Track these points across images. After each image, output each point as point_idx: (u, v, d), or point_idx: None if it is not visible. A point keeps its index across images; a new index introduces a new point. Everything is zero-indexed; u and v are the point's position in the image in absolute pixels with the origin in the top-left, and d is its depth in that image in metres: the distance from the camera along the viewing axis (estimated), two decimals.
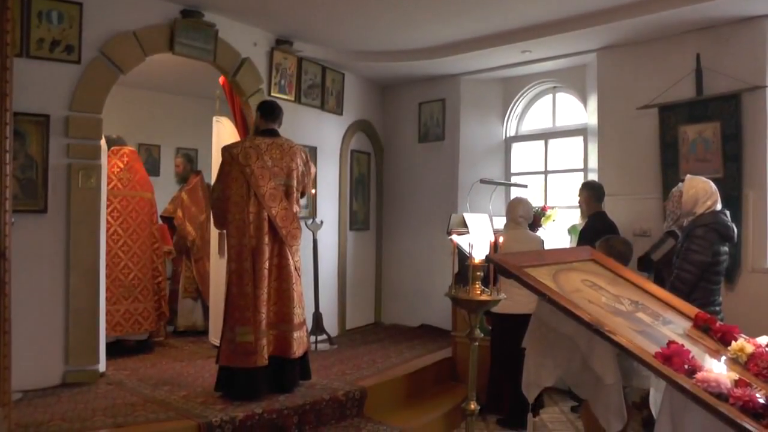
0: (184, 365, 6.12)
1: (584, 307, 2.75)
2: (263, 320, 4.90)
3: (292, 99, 7.23)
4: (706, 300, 4.45)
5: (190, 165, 8.11)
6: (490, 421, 5.74)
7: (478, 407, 3.49)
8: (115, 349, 6.28)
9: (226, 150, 5.09)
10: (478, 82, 8.20)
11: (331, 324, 7.61)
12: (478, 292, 3.32)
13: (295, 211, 5.16)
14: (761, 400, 2.32)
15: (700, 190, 4.52)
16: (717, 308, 4.53)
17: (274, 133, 5.24)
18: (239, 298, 4.91)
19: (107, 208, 6.11)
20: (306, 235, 6.91)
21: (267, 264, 4.96)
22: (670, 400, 2.54)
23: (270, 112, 5.28)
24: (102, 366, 5.61)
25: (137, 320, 6.45)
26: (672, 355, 2.50)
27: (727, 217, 4.54)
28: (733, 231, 4.54)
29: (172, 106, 9.50)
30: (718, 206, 4.53)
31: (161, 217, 7.80)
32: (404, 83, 8.67)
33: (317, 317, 7.01)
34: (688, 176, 4.74)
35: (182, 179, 8.12)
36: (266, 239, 4.96)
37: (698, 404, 2.33)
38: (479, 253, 3.35)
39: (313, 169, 5.49)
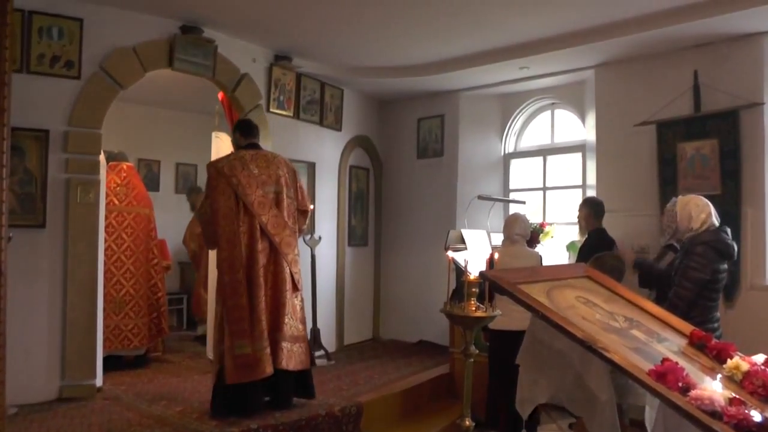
0: (180, 380, 6.11)
1: (578, 323, 2.74)
2: (264, 330, 4.82)
3: (291, 115, 7.26)
4: (705, 318, 4.42)
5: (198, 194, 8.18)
6: None
7: (473, 424, 3.46)
8: (113, 364, 6.27)
9: (212, 165, 5.10)
10: (476, 98, 8.22)
11: (329, 340, 7.60)
12: (474, 308, 3.31)
13: (286, 218, 5.13)
14: (756, 419, 2.31)
15: (692, 206, 4.53)
16: (715, 325, 4.51)
17: (256, 146, 5.27)
18: (235, 310, 4.82)
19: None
20: (304, 251, 6.92)
21: (262, 272, 4.92)
22: (663, 418, 2.53)
23: (248, 128, 5.36)
24: (99, 381, 5.61)
25: (127, 336, 6.44)
26: (666, 373, 2.48)
27: (728, 234, 4.52)
28: (734, 249, 4.52)
29: (172, 121, 9.53)
30: (716, 220, 4.51)
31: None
32: (403, 99, 8.70)
33: (315, 333, 6.99)
34: (679, 197, 4.74)
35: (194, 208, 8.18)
36: (259, 248, 4.93)
37: (692, 422, 2.31)
38: (475, 269, 3.34)
39: (300, 182, 5.45)
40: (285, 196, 5.16)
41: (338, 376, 6.42)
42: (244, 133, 5.31)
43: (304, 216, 5.40)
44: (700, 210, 4.50)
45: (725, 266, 4.51)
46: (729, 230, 4.55)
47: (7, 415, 4.60)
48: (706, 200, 4.58)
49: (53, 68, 5.27)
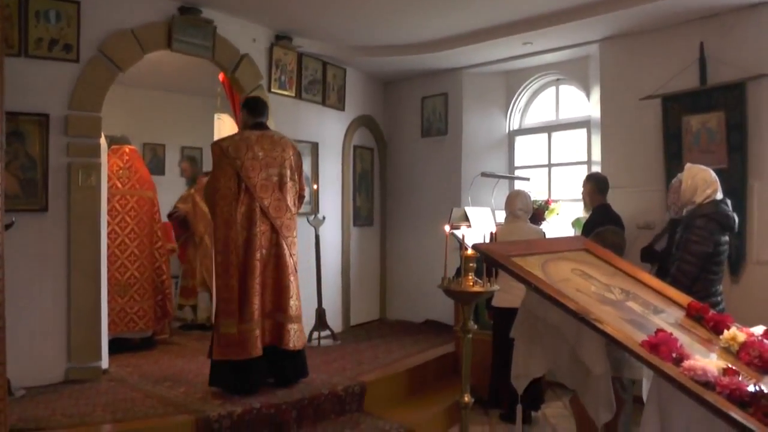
0: (185, 362, 6.13)
1: (572, 296, 2.70)
2: (255, 311, 4.87)
3: (293, 95, 7.23)
4: (708, 291, 4.38)
5: (196, 166, 8.19)
6: (493, 415, 5.70)
7: (473, 400, 3.44)
8: (119, 346, 6.30)
9: (216, 144, 5.10)
10: (480, 75, 8.15)
11: (335, 320, 7.60)
12: (471, 283, 3.28)
13: (288, 201, 5.14)
14: (749, 389, 2.28)
15: (700, 180, 4.44)
16: (718, 299, 4.46)
17: (263, 126, 5.24)
18: (224, 290, 4.90)
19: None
20: (308, 231, 6.93)
21: (259, 255, 4.94)
22: (657, 390, 2.50)
23: (255, 107, 5.28)
24: (105, 363, 5.64)
25: (132, 319, 6.46)
26: (659, 344, 2.45)
27: (728, 206, 4.46)
28: (734, 220, 4.46)
29: (176, 104, 9.50)
30: (719, 195, 4.45)
31: (172, 215, 7.84)
32: (406, 78, 8.64)
33: (320, 313, 7.00)
34: (688, 165, 4.66)
35: (191, 181, 8.17)
36: (258, 231, 4.94)
37: (684, 393, 2.28)
38: (471, 244, 3.31)
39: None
40: (288, 179, 5.16)
41: (343, 356, 6.43)
42: (252, 111, 5.26)
43: (301, 201, 5.41)
44: (707, 185, 4.43)
45: (726, 238, 4.45)
46: (729, 201, 4.49)
47: (15, 397, 4.66)
48: (715, 175, 4.50)
49: (51, 51, 5.24)
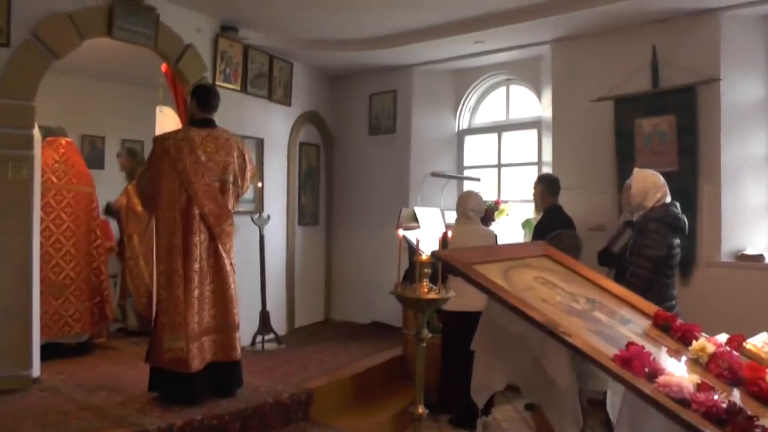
0: (124, 368, 5.79)
1: (537, 306, 2.57)
2: (194, 324, 4.63)
3: (238, 88, 6.96)
4: (663, 296, 4.41)
5: (134, 159, 7.81)
6: (442, 420, 5.57)
7: (427, 411, 3.30)
8: (53, 352, 5.93)
9: (158, 141, 4.82)
10: (430, 73, 8.03)
11: (279, 322, 7.36)
12: (426, 290, 3.12)
13: (230, 208, 4.91)
14: (724, 405, 2.17)
15: (650, 183, 4.53)
16: (673, 303, 4.50)
17: (210, 124, 4.94)
18: (168, 302, 4.64)
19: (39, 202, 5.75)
20: (252, 231, 6.71)
21: (197, 265, 4.69)
22: (629, 406, 2.37)
23: (206, 100, 4.96)
24: (36, 371, 5.25)
25: (67, 322, 6.09)
26: (632, 358, 2.33)
27: (677, 209, 4.54)
28: (684, 223, 4.54)
29: (117, 95, 9.05)
30: (668, 198, 4.54)
31: (111, 211, 7.49)
32: (355, 74, 8.45)
33: (264, 316, 6.76)
34: (636, 169, 4.75)
35: (129, 175, 7.79)
36: (197, 238, 4.70)
37: (659, 411, 2.17)
38: (427, 248, 3.16)
39: (251, 163, 5.15)
40: (231, 185, 4.90)
41: (287, 361, 6.21)
42: (201, 104, 4.93)
43: (237, 199, 5.16)
44: (656, 189, 4.52)
45: (678, 241, 4.53)
46: (678, 204, 4.57)
47: None
48: (663, 179, 4.58)
49: None
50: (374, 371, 6.16)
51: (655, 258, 4.35)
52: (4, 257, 5.00)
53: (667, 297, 4.43)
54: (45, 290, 5.79)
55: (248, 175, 5.08)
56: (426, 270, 3.16)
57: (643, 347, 2.40)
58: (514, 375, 3.03)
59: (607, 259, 5.08)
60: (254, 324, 6.69)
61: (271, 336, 6.84)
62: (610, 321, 2.79)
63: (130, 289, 7.31)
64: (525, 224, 6.88)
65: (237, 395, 4.91)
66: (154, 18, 5.85)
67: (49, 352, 5.81)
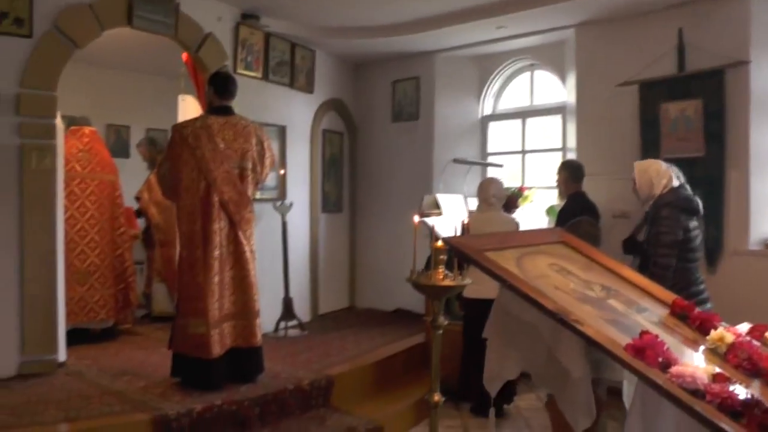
0: (147, 353, 5.87)
1: (550, 294, 2.53)
2: (215, 311, 4.67)
3: (260, 76, 6.96)
4: (688, 281, 4.36)
5: (155, 148, 7.85)
6: (463, 408, 5.56)
7: (443, 398, 3.27)
8: (79, 337, 6.02)
9: (177, 130, 4.83)
10: (453, 59, 7.95)
11: (303, 309, 7.40)
12: (441, 276, 3.09)
13: (249, 195, 4.92)
14: (741, 397, 2.12)
15: (653, 172, 4.52)
16: (701, 287, 4.43)
17: (227, 111, 4.94)
18: (191, 288, 4.70)
19: (63, 191, 5.80)
20: (275, 218, 6.73)
21: (217, 252, 4.71)
22: (641, 396, 2.33)
23: (224, 88, 4.97)
24: (62, 355, 5.34)
25: (92, 308, 6.17)
26: (645, 348, 2.28)
27: (687, 190, 4.50)
28: (697, 203, 4.49)
29: (142, 85, 9.15)
30: (675, 182, 4.49)
31: (136, 199, 7.56)
32: (377, 61, 8.40)
33: (287, 302, 6.80)
34: (636, 162, 4.74)
35: (151, 164, 7.84)
36: (216, 226, 4.72)
37: (672, 402, 2.12)
38: (443, 235, 3.13)
39: (269, 150, 5.15)
40: (249, 172, 4.92)
41: (309, 347, 6.23)
42: (219, 91, 4.94)
43: (256, 186, 5.16)
44: (660, 176, 4.49)
45: (695, 223, 4.47)
46: (688, 186, 4.54)
47: None
48: (666, 165, 4.56)
49: (1, 25, 4.89)
50: (396, 358, 6.15)
51: (673, 243, 4.30)
52: (30, 246, 5.08)
53: (693, 282, 4.38)
54: (70, 277, 5.87)
55: (267, 162, 5.08)
56: (441, 256, 3.13)
57: (657, 336, 2.35)
58: (527, 364, 2.99)
59: (632, 247, 4.99)
60: (278, 310, 6.74)
61: (295, 322, 6.87)
62: (625, 310, 2.74)
63: (163, 275, 7.34)
64: (549, 211, 6.80)
65: (257, 381, 4.93)
66: (174, 7, 5.87)
67: (75, 337, 5.89)
